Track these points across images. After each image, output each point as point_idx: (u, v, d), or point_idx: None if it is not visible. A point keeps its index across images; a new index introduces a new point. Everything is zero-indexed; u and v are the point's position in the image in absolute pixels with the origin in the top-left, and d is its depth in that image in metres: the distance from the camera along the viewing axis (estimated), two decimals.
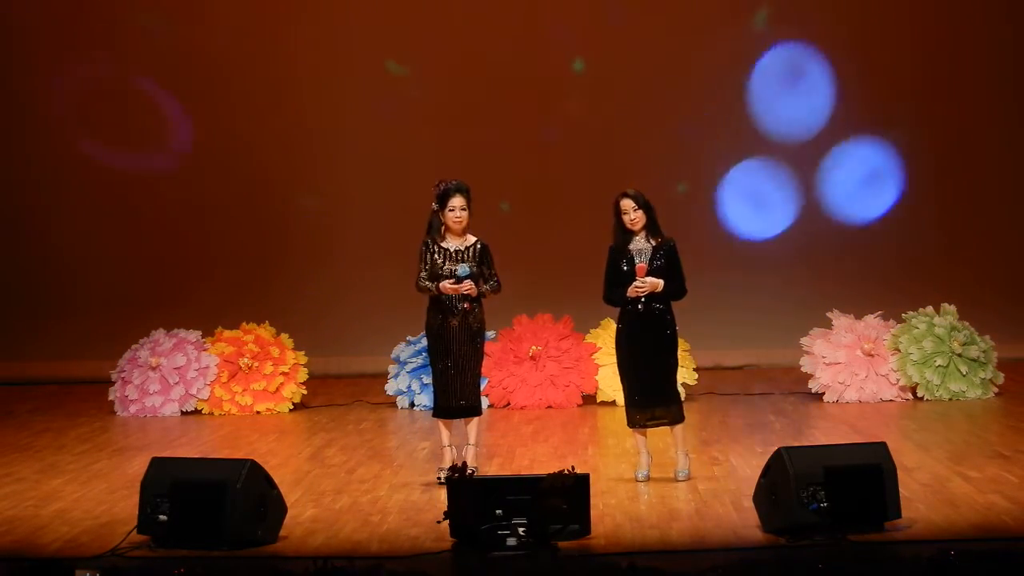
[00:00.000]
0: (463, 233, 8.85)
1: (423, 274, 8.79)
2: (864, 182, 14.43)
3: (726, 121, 14.36)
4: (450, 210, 8.78)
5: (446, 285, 8.69)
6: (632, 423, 8.72)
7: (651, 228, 8.60)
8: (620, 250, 8.60)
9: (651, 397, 8.62)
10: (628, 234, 8.59)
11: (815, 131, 14.40)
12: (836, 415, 11.36)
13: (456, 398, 8.86)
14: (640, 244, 8.58)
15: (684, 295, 8.64)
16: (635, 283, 8.49)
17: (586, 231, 14.05)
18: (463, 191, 8.79)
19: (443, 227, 8.81)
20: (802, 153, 14.40)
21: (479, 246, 8.86)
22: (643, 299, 8.52)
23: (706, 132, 14.33)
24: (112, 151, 14.48)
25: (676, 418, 8.70)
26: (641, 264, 8.52)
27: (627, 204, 8.56)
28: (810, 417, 11.34)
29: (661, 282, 8.50)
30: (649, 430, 8.75)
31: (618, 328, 8.68)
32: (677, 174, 14.19)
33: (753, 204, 14.43)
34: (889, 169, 14.40)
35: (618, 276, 8.58)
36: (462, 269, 8.74)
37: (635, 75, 14.35)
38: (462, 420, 8.99)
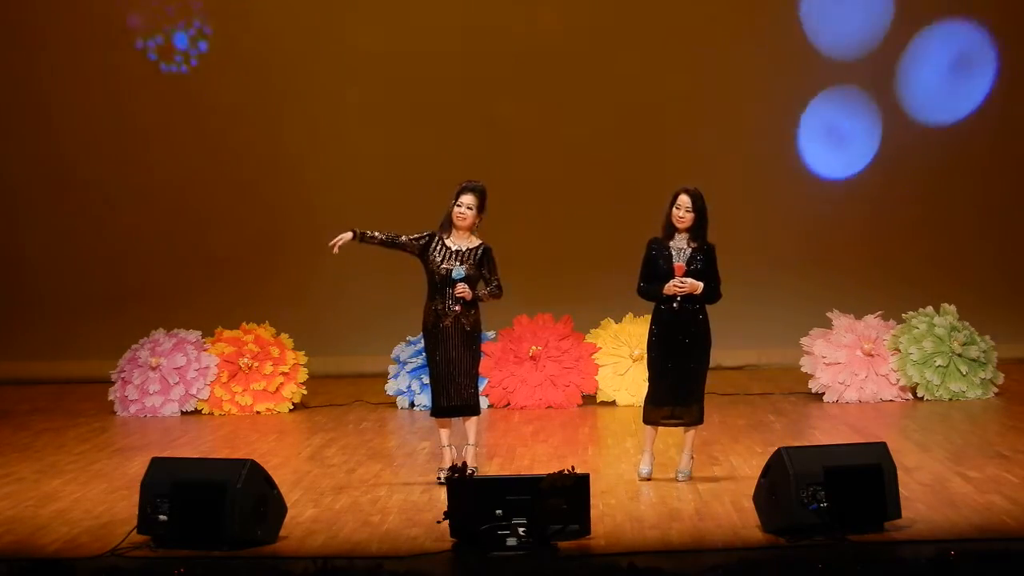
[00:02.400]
0: (468, 232, 8.85)
1: (403, 236, 8.84)
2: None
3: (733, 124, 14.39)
4: (457, 205, 8.82)
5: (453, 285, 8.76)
6: (648, 419, 8.70)
7: (696, 232, 8.55)
8: (660, 245, 8.59)
9: (673, 396, 8.61)
10: (672, 230, 8.57)
11: None
12: (836, 415, 11.37)
13: (450, 397, 8.86)
14: (680, 244, 8.55)
15: (718, 299, 8.62)
16: (674, 281, 8.48)
17: (588, 231, 14.14)
18: (476, 191, 8.83)
19: (451, 224, 8.85)
20: None
21: (481, 250, 8.86)
22: (678, 298, 8.51)
23: (715, 132, 14.35)
24: (112, 150, 14.47)
25: (695, 420, 8.69)
26: (679, 264, 8.50)
27: (683, 200, 8.53)
28: (810, 417, 11.35)
29: (701, 285, 8.48)
30: (660, 430, 8.74)
31: (651, 327, 8.65)
32: (677, 174, 14.15)
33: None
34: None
35: (655, 271, 8.56)
36: (456, 272, 8.75)
37: (635, 79, 14.36)
38: (461, 420, 9.00)
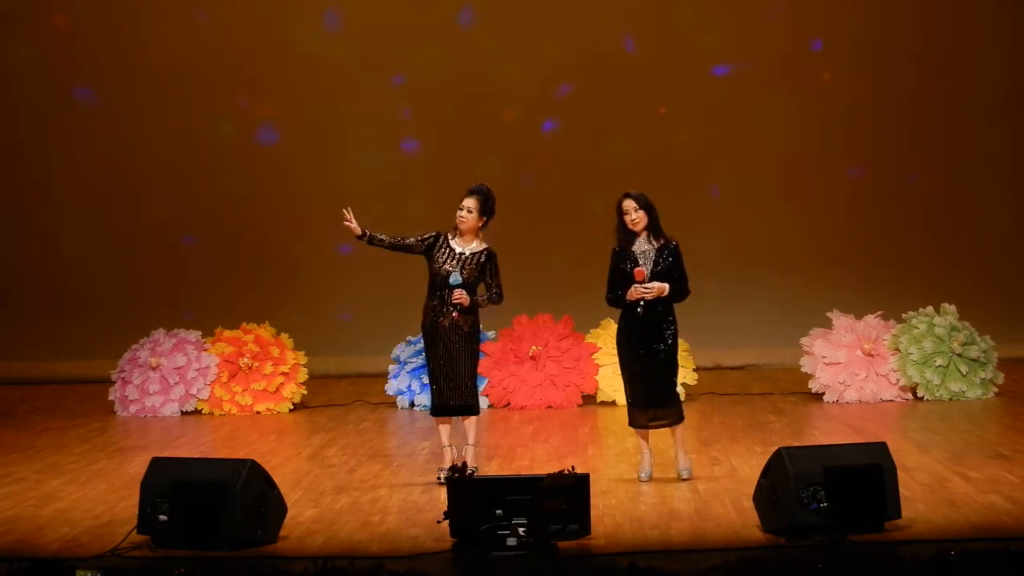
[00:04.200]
0: (472, 235, 8.85)
1: (409, 238, 8.85)
2: None
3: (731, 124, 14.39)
4: (459, 209, 8.82)
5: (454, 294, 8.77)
6: (634, 423, 8.72)
7: (653, 229, 8.57)
8: (623, 252, 8.59)
9: (651, 398, 8.63)
10: (631, 235, 8.57)
11: None
12: (836, 415, 11.37)
13: (448, 396, 8.87)
14: (643, 246, 8.56)
15: (687, 296, 8.63)
16: (638, 287, 8.47)
17: (587, 230, 14.12)
18: (477, 193, 8.84)
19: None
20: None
21: (485, 255, 8.86)
22: (643, 301, 8.52)
23: (714, 132, 14.35)
24: (112, 150, 14.47)
25: (676, 419, 8.70)
26: (640, 268, 8.50)
27: (628, 204, 8.54)
28: (810, 417, 11.34)
29: (667, 286, 8.49)
30: (651, 430, 8.76)
31: (619, 329, 8.67)
32: (678, 173, 14.17)
33: None
34: None
35: (621, 278, 8.56)
36: (453, 278, 8.75)
37: (636, 81, 14.37)
38: (461, 419, 9.00)
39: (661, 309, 8.56)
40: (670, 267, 8.54)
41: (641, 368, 8.60)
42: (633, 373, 8.64)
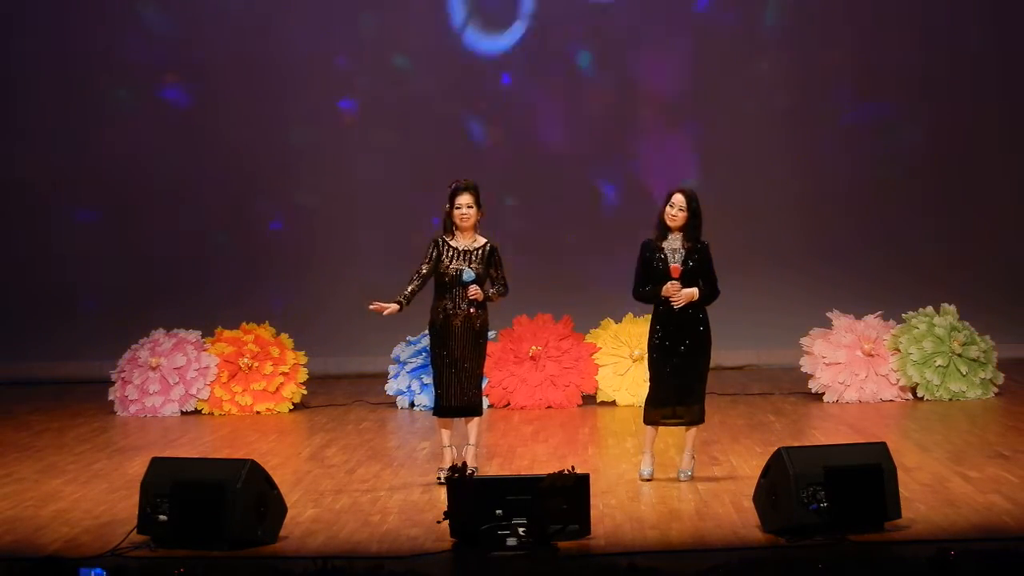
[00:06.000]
0: (472, 232, 8.86)
1: (423, 267, 8.82)
2: None
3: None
4: (456, 208, 8.82)
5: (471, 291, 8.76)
6: (648, 420, 8.70)
7: (689, 232, 8.53)
8: (654, 246, 8.59)
9: (674, 396, 8.61)
10: (666, 229, 8.57)
11: None
12: (836, 415, 11.37)
13: (455, 397, 8.87)
14: (674, 244, 8.55)
15: (717, 296, 8.63)
16: (671, 285, 8.47)
17: (587, 231, 14.13)
18: (470, 189, 8.84)
19: (453, 225, 8.84)
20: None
21: (488, 248, 8.87)
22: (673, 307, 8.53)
23: (716, 130, 14.35)
24: (111, 150, 14.46)
25: (696, 419, 8.69)
26: (676, 265, 8.49)
27: (678, 198, 8.53)
28: (810, 417, 11.35)
29: (696, 292, 8.49)
30: (660, 430, 8.74)
31: (652, 328, 8.64)
32: (680, 172, 14.16)
33: None
34: None
35: (649, 272, 8.56)
36: (467, 274, 8.75)
37: (637, 77, 14.36)
38: (462, 420, 9.00)
39: (691, 310, 8.55)
40: (697, 268, 8.53)
41: (668, 367, 8.57)
42: (659, 371, 8.61)
